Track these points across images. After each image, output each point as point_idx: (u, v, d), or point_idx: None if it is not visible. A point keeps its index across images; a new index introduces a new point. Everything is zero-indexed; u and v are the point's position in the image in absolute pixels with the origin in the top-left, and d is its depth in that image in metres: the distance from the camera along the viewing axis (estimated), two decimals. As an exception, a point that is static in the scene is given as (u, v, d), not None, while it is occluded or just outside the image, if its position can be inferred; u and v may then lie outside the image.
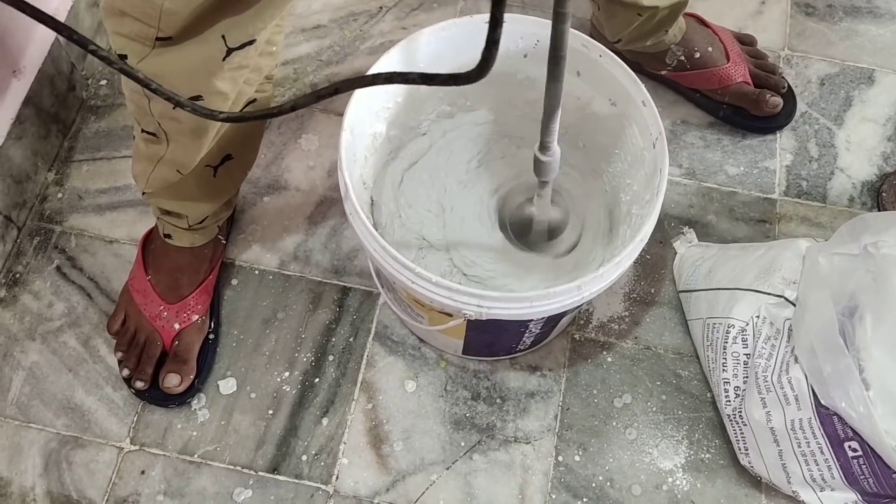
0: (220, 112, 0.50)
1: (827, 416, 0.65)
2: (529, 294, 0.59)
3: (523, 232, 0.78)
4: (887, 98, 0.99)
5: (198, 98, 0.58)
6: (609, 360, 0.84)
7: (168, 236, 0.79)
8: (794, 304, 0.72)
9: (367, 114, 0.73)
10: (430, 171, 0.80)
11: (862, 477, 0.66)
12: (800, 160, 0.95)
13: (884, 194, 0.92)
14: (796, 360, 0.69)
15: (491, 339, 0.76)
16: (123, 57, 0.57)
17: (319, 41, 1.00)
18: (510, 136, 0.83)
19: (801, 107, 0.97)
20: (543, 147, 0.62)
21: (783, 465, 0.70)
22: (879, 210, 0.92)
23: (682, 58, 0.92)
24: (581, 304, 0.66)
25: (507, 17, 0.72)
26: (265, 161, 0.92)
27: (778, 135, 0.96)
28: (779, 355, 0.70)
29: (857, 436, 0.63)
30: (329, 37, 1.00)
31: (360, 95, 0.68)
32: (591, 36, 0.91)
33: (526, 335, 0.73)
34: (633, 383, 0.83)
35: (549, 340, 0.84)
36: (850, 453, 0.64)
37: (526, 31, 0.73)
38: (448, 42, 0.71)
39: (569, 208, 0.80)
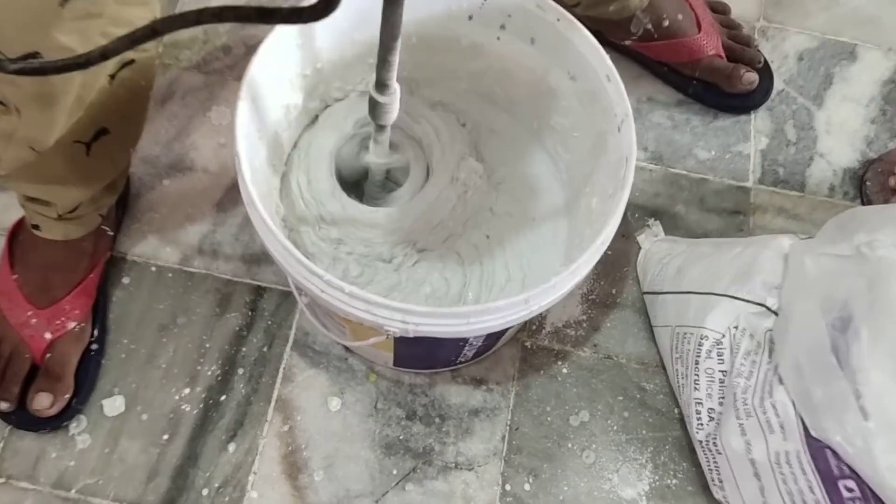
0: (49, 63, 0.37)
1: (819, 450, 0.55)
2: (465, 309, 0.48)
3: (359, 185, 0.66)
4: (870, 76, 0.90)
5: (34, 55, 0.44)
6: (564, 371, 0.73)
7: (36, 227, 0.65)
8: (777, 314, 0.62)
9: (279, 81, 0.60)
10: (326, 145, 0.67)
11: (856, 518, 0.57)
12: (776, 144, 0.85)
13: (868, 183, 0.83)
14: (781, 380, 0.59)
15: (425, 353, 0.64)
16: None
17: (235, -2, 0.86)
18: (455, 111, 0.71)
19: (777, 84, 0.87)
20: (381, 86, 0.50)
21: (764, 502, 0.60)
22: (863, 201, 0.83)
23: (649, 26, 0.82)
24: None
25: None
26: (167, 137, 0.78)
27: (753, 115, 0.86)
28: (760, 374, 0.60)
29: (854, 474, 0.53)
30: (246, -7, 0.87)
31: (265, 57, 0.55)
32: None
33: (466, 349, 0.62)
34: (591, 398, 0.72)
35: (497, 350, 0.73)
36: (846, 493, 0.54)
37: (470, -14, 0.61)
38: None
39: (408, 149, 0.67)
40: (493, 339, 0.63)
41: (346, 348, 0.72)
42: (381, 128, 0.56)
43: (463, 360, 0.68)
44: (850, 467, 0.53)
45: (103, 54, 0.35)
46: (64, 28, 0.46)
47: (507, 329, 0.59)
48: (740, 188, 0.83)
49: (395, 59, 0.47)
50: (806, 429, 0.56)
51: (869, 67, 0.90)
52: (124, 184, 0.72)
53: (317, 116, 0.67)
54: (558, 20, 0.59)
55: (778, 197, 0.83)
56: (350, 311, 0.48)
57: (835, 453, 0.54)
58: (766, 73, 0.86)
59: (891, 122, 0.87)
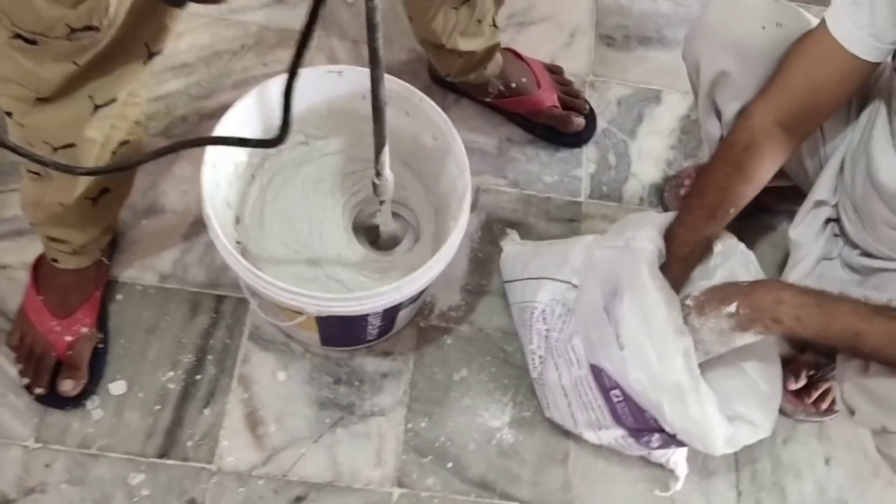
0: (78, 168, 0.64)
1: (598, 372, 0.84)
2: (358, 294, 0.75)
3: (373, 239, 0.94)
4: (672, 114, 1.21)
5: (71, 146, 0.70)
6: (449, 342, 1.01)
7: (55, 260, 0.90)
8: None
9: (229, 148, 0.86)
10: (289, 190, 0.94)
11: (625, 416, 0.86)
12: (601, 168, 1.15)
13: (666, 194, 1.13)
14: (577, 332, 0.87)
15: (340, 331, 0.91)
16: (10, 114, 0.69)
17: (187, 78, 1.12)
18: (361, 159, 0.99)
19: (601, 123, 1.18)
20: (377, 174, 0.78)
21: (571, 413, 0.89)
22: (663, 207, 1.13)
23: (502, 87, 1.11)
24: (407, 300, 0.82)
25: (345, 68, 0.87)
26: (143, 187, 1.04)
27: (584, 148, 1.16)
28: (568, 328, 0.89)
29: (618, 385, 0.82)
30: (196, 74, 1.13)
31: (221, 128, 0.82)
32: (429, 70, 1.11)
33: (370, 327, 0.89)
34: (468, 360, 1.00)
35: (399, 330, 1.00)
36: (615, 399, 0.83)
37: (361, 79, 0.87)
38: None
39: (408, 220, 0.96)
40: (388, 319, 0.90)
41: (287, 336, 0.98)
42: (382, 202, 0.83)
43: (371, 338, 0.95)
44: (616, 381, 0.82)
45: (137, 162, 0.62)
46: (91, 126, 0.71)
47: (396, 310, 0.87)
48: (575, 202, 1.12)
49: (386, 157, 0.74)
50: (589, 360, 0.85)
51: (671, 107, 1.22)
52: (115, 226, 0.97)
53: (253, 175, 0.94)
54: (421, 100, 0.87)
55: (603, 207, 1.12)
56: (283, 300, 0.75)
57: (606, 373, 0.83)
58: (591, 116, 1.16)
59: (685, 147, 1.18)
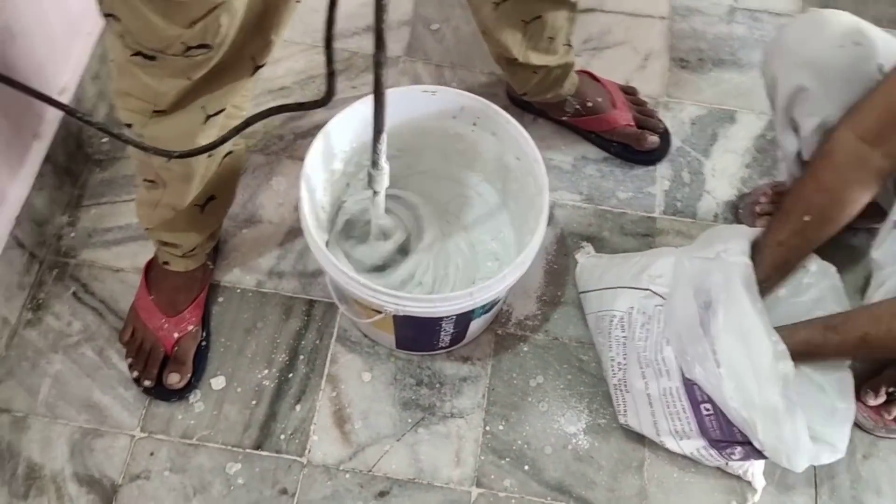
0: (190, 151, 0.72)
1: (690, 386, 0.86)
2: (433, 297, 0.81)
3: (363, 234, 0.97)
4: (746, 133, 1.23)
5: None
6: (525, 349, 1.05)
7: (166, 263, 0.98)
8: (658, 295, 0.94)
9: (327, 157, 0.93)
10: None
11: (711, 429, 0.88)
12: (675, 185, 1.18)
13: (740, 211, 1.15)
14: (668, 342, 0.90)
15: (414, 334, 0.96)
16: (129, 125, 0.77)
17: (284, 100, 1.21)
18: (450, 178, 1.05)
19: (676, 142, 1.21)
20: (374, 164, 0.77)
21: (654, 421, 0.91)
22: (738, 223, 1.15)
23: (578, 106, 1.15)
24: (480, 307, 0.86)
25: (439, 88, 0.94)
26: (242, 200, 1.12)
27: (658, 166, 1.19)
28: (653, 337, 0.91)
29: (710, 400, 0.84)
30: (291, 96, 1.21)
31: (317, 146, 0.89)
32: (507, 91, 1.17)
33: (443, 333, 0.94)
34: (544, 367, 1.04)
35: (475, 338, 1.04)
36: (705, 412, 0.85)
37: (453, 99, 0.95)
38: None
39: (403, 218, 0.99)
40: (462, 326, 0.95)
41: (372, 340, 1.04)
42: (376, 193, 0.84)
43: (444, 345, 0.99)
44: (708, 396, 0.84)
45: (222, 139, 0.71)
46: (202, 135, 0.78)
47: (468, 317, 0.91)
48: (649, 217, 1.15)
49: (384, 146, 0.74)
50: (682, 373, 0.87)
51: (745, 127, 1.24)
52: (219, 232, 1.05)
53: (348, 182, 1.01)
54: (507, 122, 0.92)
55: (677, 223, 1.15)
56: (367, 298, 0.81)
57: (699, 387, 0.84)
58: (665, 135, 1.19)
59: (760, 166, 1.20)
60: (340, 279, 0.82)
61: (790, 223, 0.84)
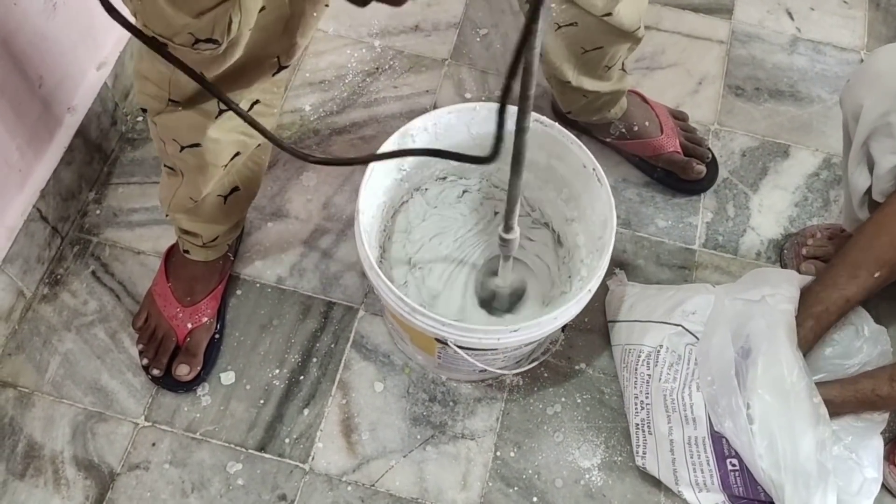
0: (311, 156, 0.67)
1: (717, 438, 0.81)
2: (486, 328, 0.77)
3: (489, 301, 0.94)
4: (799, 170, 1.18)
5: (196, 145, 0.75)
6: (545, 375, 1.01)
7: (186, 251, 0.96)
8: (691, 333, 0.89)
9: (381, 183, 0.90)
10: (426, 225, 0.99)
11: (734, 485, 0.83)
12: (718, 218, 1.13)
13: (785, 251, 1.09)
14: (698, 387, 0.85)
15: (460, 361, 0.90)
16: (144, 111, 0.75)
17: (323, 94, 1.18)
18: (492, 199, 1.01)
19: (723, 173, 1.16)
20: (507, 228, 0.73)
21: (674, 469, 0.87)
22: (781, 265, 1.09)
23: (623, 130, 1.11)
24: (527, 344, 0.83)
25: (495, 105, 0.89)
26: (270, 192, 1.10)
27: (702, 196, 1.14)
28: (682, 378, 0.87)
29: (737, 455, 0.79)
30: (332, 91, 1.19)
31: (371, 176, 0.85)
32: (552, 106, 1.13)
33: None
34: (563, 396, 1.00)
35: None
36: (730, 467, 0.81)
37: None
38: (455, 121, 0.88)
39: (525, 278, 0.96)
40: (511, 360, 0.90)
41: (391, 349, 1.01)
42: (507, 258, 0.82)
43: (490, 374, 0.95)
44: (736, 451, 0.80)
45: (350, 161, 0.67)
46: (215, 127, 0.74)
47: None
48: (688, 249, 1.10)
49: (517, 211, 0.69)
50: (711, 423, 0.82)
51: (798, 163, 1.18)
52: (243, 224, 1.03)
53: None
54: (571, 143, 0.89)
55: (716, 258, 1.10)
56: (422, 327, 0.77)
57: (727, 441, 0.80)
58: (713, 165, 1.14)
59: (811, 206, 1.15)
60: (398, 308, 0.78)
61: (859, 278, 0.79)
